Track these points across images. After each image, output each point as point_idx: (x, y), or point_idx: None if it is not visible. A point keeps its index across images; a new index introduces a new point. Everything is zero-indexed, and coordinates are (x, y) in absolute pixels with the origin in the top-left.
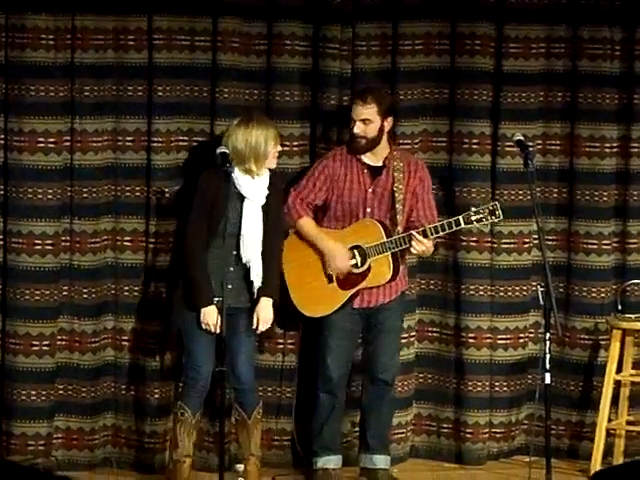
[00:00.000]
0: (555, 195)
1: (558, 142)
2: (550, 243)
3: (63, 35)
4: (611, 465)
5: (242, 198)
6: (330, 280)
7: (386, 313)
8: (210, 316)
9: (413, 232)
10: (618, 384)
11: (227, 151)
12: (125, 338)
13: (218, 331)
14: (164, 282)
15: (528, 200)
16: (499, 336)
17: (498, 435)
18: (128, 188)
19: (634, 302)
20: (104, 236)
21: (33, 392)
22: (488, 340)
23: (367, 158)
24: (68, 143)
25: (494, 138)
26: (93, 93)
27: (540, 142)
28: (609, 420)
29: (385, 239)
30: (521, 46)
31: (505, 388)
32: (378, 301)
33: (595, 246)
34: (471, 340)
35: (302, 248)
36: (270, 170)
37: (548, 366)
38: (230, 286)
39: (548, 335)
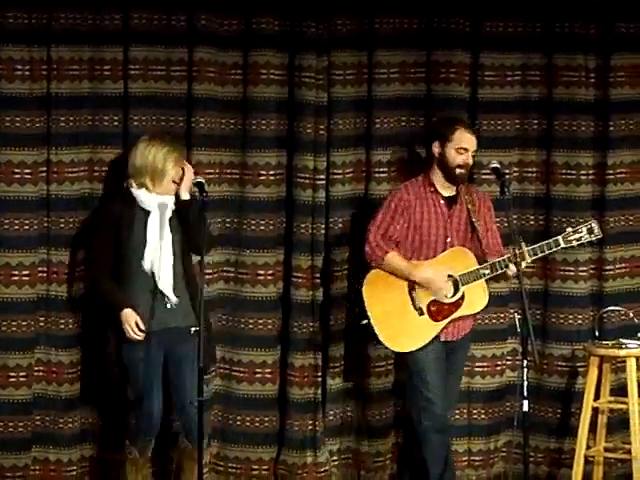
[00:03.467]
0: (532, 222)
1: (534, 169)
2: (527, 270)
3: (38, 66)
4: None
5: (147, 213)
6: (421, 313)
7: (461, 348)
8: (128, 317)
9: (513, 254)
10: (596, 411)
11: (203, 180)
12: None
13: (140, 336)
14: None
15: (505, 227)
16: (477, 364)
17: (477, 463)
18: None
19: (611, 329)
20: (81, 266)
21: (10, 423)
22: (466, 368)
23: (441, 188)
24: (44, 174)
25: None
26: (69, 123)
27: (516, 169)
28: (587, 447)
29: (478, 266)
30: (497, 74)
31: (483, 416)
32: (460, 333)
33: (572, 273)
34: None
35: (387, 282)
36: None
37: (526, 393)
38: (169, 305)
39: (525, 362)
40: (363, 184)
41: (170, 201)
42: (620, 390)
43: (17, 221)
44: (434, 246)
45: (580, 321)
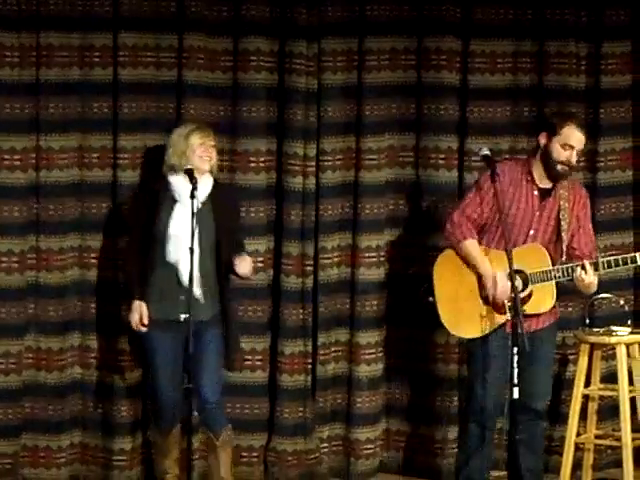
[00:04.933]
0: None
1: (525, 156)
2: None
3: (28, 52)
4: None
5: (175, 202)
6: (486, 302)
7: (538, 341)
8: (135, 309)
9: (585, 263)
10: (586, 398)
11: (192, 168)
12: (92, 355)
13: (143, 329)
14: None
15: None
16: (461, 350)
17: None
18: (94, 205)
19: (602, 316)
20: (70, 253)
21: (0, 410)
22: (456, 355)
23: (538, 179)
24: (34, 160)
25: (461, 153)
26: (58, 110)
27: (507, 156)
28: (578, 434)
29: (551, 267)
30: (487, 61)
31: None
32: (531, 327)
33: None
34: (439, 355)
35: (458, 265)
36: (216, 181)
37: (516, 381)
38: (181, 296)
39: (515, 350)
40: (353, 171)
41: (202, 192)
42: (610, 377)
43: (6, 207)
44: (516, 235)
45: (570, 309)
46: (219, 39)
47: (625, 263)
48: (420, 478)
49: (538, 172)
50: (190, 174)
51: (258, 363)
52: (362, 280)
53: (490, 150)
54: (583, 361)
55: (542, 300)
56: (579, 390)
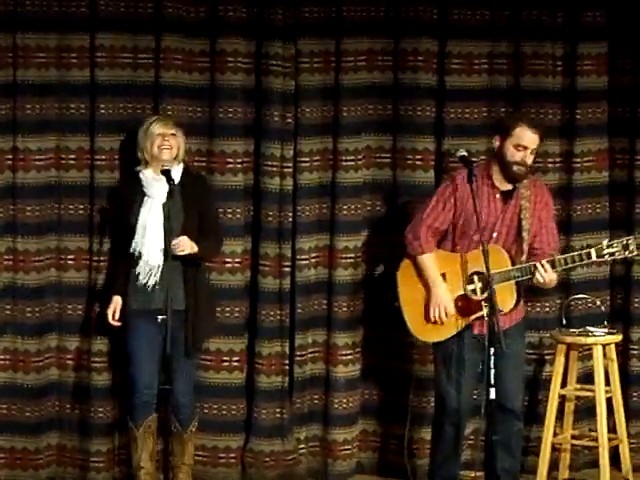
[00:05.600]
0: None
1: None
2: None
3: (4, 53)
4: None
5: (144, 197)
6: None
7: (508, 340)
8: (111, 304)
9: (543, 262)
10: (563, 398)
11: (170, 169)
12: (69, 357)
13: (116, 323)
14: (107, 300)
15: None
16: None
17: None
18: (72, 206)
19: (578, 317)
20: (47, 255)
21: None
22: (432, 356)
23: (498, 182)
24: (10, 162)
25: (438, 154)
26: (35, 111)
27: (484, 157)
28: (554, 434)
29: (510, 267)
30: (464, 62)
31: None
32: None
33: None
34: (416, 356)
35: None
36: (187, 168)
37: (493, 381)
38: (143, 286)
39: (492, 350)
40: (330, 172)
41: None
42: (587, 377)
43: None
44: (478, 238)
45: (547, 309)
46: (196, 40)
47: (581, 259)
48: (397, 479)
49: (497, 175)
50: (167, 175)
51: (235, 364)
52: (339, 281)
53: (467, 151)
54: (560, 361)
55: (503, 301)
56: (556, 390)
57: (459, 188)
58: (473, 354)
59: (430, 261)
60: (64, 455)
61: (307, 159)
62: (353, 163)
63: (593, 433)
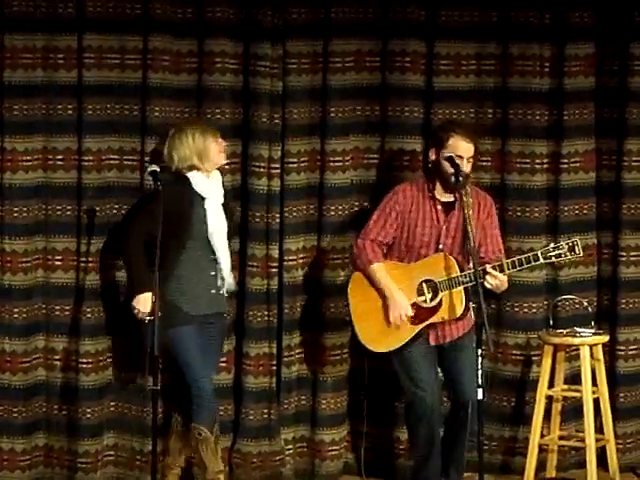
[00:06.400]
0: None
1: (489, 158)
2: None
3: None
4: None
5: (203, 199)
6: None
7: (459, 347)
8: (144, 303)
9: (488, 267)
10: (550, 399)
11: (157, 169)
12: (57, 357)
13: (147, 319)
14: (95, 301)
15: None
16: None
17: None
18: (59, 207)
19: (565, 317)
20: (35, 255)
21: None
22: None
23: (439, 194)
24: None
25: (425, 155)
26: (23, 112)
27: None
28: (541, 435)
29: (459, 273)
30: (452, 63)
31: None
32: (453, 336)
33: None
34: None
35: (369, 283)
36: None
37: (481, 382)
38: (213, 291)
39: (480, 351)
40: (318, 173)
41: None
42: (574, 378)
43: None
44: (425, 251)
45: (534, 310)
46: (184, 41)
47: (529, 262)
48: (383, 479)
49: (437, 187)
50: (155, 175)
51: (223, 365)
52: (327, 282)
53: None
54: (547, 362)
55: (452, 307)
56: (543, 391)
57: (401, 202)
58: (433, 361)
59: (381, 270)
60: (52, 456)
61: (295, 160)
62: (341, 164)
63: (580, 434)
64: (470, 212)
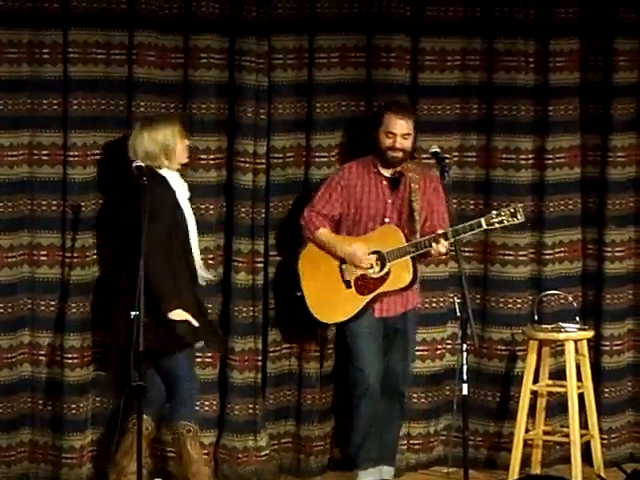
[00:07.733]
0: (472, 207)
1: (474, 154)
2: (467, 255)
3: None
4: (529, 474)
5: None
6: (348, 286)
7: (402, 323)
8: (183, 314)
9: (435, 234)
10: (535, 394)
11: (143, 165)
12: (42, 353)
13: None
14: (80, 296)
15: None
16: (417, 347)
17: (416, 446)
18: (44, 202)
19: (550, 313)
20: (20, 251)
21: None
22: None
23: (384, 170)
24: None
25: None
26: (8, 107)
27: (456, 154)
28: (526, 430)
29: (405, 244)
30: (437, 59)
31: (423, 399)
32: (397, 310)
33: (511, 257)
34: None
35: (318, 257)
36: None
37: (465, 377)
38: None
39: (465, 346)
40: (303, 168)
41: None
42: (559, 373)
43: None
44: (372, 225)
45: (519, 305)
46: (169, 36)
47: (472, 229)
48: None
49: (380, 164)
50: (140, 170)
51: (208, 360)
52: None
53: (440, 147)
54: (532, 357)
55: (400, 277)
56: (527, 386)
57: (346, 178)
58: (377, 334)
59: (327, 232)
60: (37, 451)
61: (280, 155)
62: (326, 159)
63: (565, 429)
64: (416, 186)
